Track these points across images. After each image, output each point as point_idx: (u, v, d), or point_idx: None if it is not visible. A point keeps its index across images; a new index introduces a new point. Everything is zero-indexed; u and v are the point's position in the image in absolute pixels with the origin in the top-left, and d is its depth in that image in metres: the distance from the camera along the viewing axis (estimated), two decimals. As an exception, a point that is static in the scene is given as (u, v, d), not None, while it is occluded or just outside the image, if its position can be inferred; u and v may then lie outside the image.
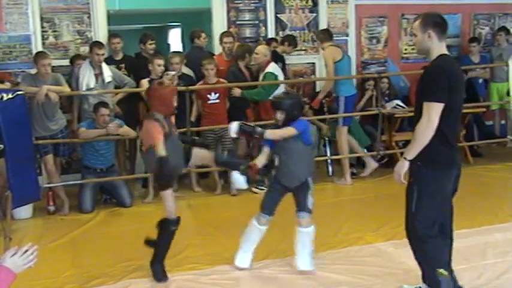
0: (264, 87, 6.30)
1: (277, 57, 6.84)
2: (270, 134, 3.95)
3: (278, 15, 7.59)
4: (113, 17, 7.93)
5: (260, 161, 4.05)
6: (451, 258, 3.46)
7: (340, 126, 6.56)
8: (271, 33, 7.53)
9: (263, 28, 7.56)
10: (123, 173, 6.51)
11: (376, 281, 3.90)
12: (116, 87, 6.30)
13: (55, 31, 6.74)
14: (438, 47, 3.23)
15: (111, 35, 6.79)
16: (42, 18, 6.66)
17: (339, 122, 6.55)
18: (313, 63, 7.71)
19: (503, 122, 8.46)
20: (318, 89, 7.41)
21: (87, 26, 6.84)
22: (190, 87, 6.14)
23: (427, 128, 3.11)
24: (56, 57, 6.60)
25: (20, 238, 4.93)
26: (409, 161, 3.19)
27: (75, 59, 6.47)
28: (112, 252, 4.65)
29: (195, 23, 9.90)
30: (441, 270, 3.25)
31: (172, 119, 4.07)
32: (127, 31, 10.36)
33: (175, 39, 13.84)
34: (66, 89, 5.84)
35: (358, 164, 7.20)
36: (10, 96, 4.86)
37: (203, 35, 7.07)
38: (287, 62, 7.30)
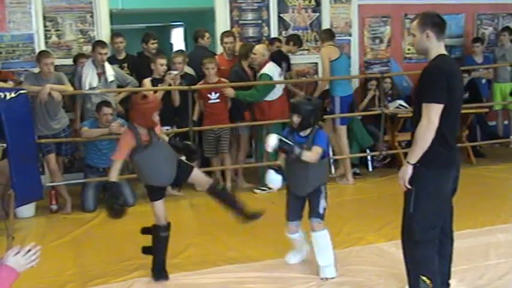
0: (258, 88, 6.27)
1: (282, 57, 6.84)
2: (306, 157, 3.82)
3: (281, 15, 7.59)
4: (115, 16, 7.94)
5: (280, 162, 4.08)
6: (449, 271, 3.44)
7: (338, 126, 6.55)
8: (274, 33, 7.53)
9: (266, 28, 7.56)
10: (126, 172, 6.50)
11: (379, 281, 3.90)
12: (119, 87, 6.31)
13: (58, 30, 6.75)
14: (437, 47, 3.19)
15: (114, 34, 6.80)
16: (45, 17, 6.67)
17: (336, 122, 6.53)
18: (316, 63, 7.70)
19: (506, 122, 8.45)
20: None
21: (90, 25, 6.85)
22: (193, 87, 6.14)
23: (427, 130, 3.06)
24: (59, 56, 6.62)
25: (23, 237, 4.94)
26: (413, 165, 3.14)
27: (78, 57, 6.49)
28: (114, 251, 4.66)
29: (198, 22, 9.88)
30: (424, 278, 3.22)
31: (158, 129, 3.99)
32: (130, 30, 10.35)
33: (178, 39, 13.83)
34: (69, 88, 5.85)
35: (361, 163, 7.19)
36: (13, 95, 4.87)
37: (207, 34, 7.06)
38: (291, 61, 7.29)
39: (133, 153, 3.87)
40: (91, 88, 6.04)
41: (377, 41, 8.08)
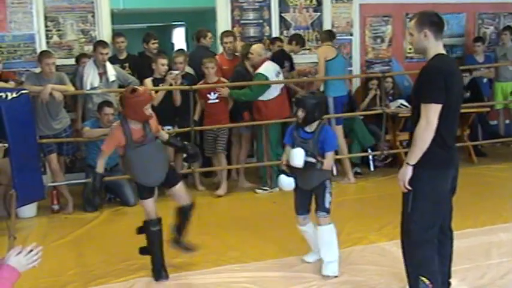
0: (252, 88, 6.25)
1: (284, 57, 6.83)
2: (324, 167, 3.93)
3: (282, 15, 7.59)
4: (117, 16, 7.94)
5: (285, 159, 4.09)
6: (449, 271, 3.44)
7: (334, 127, 6.53)
8: (275, 33, 7.53)
9: (267, 27, 7.56)
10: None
11: (380, 281, 3.90)
12: (120, 87, 6.29)
13: (59, 30, 6.76)
14: (435, 46, 3.17)
15: (115, 34, 6.80)
16: (46, 17, 6.67)
17: (331, 122, 6.53)
18: (317, 62, 7.68)
19: (507, 121, 8.45)
20: (321, 89, 7.38)
21: (91, 25, 6.85)
22: (194, 87, 6.14)
23: (426, 130, 3.05)
24: (60, 56, 6.61)
25: (24, 237, 4.95)
26: (412, 165, 3.13)
27: (80, 57, 6.48)
28: (116, 251, 4.66)
29: (199, 22, 9.88)
30: (424, 279, 3.22)
31: (156, 125, 4.02)
32: (131, 30, 10.36)
33: (179, 39, 13.83)
34: (70, 88, 5.85)
35: (362, 163, 7.19)
36: (14, 95, 4.87)
37: (209, 34, 7.06)
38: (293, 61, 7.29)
39: (126, 148, 3.88)
40: (92, 88, 6.05)
41: (378, 40, 8.08)
